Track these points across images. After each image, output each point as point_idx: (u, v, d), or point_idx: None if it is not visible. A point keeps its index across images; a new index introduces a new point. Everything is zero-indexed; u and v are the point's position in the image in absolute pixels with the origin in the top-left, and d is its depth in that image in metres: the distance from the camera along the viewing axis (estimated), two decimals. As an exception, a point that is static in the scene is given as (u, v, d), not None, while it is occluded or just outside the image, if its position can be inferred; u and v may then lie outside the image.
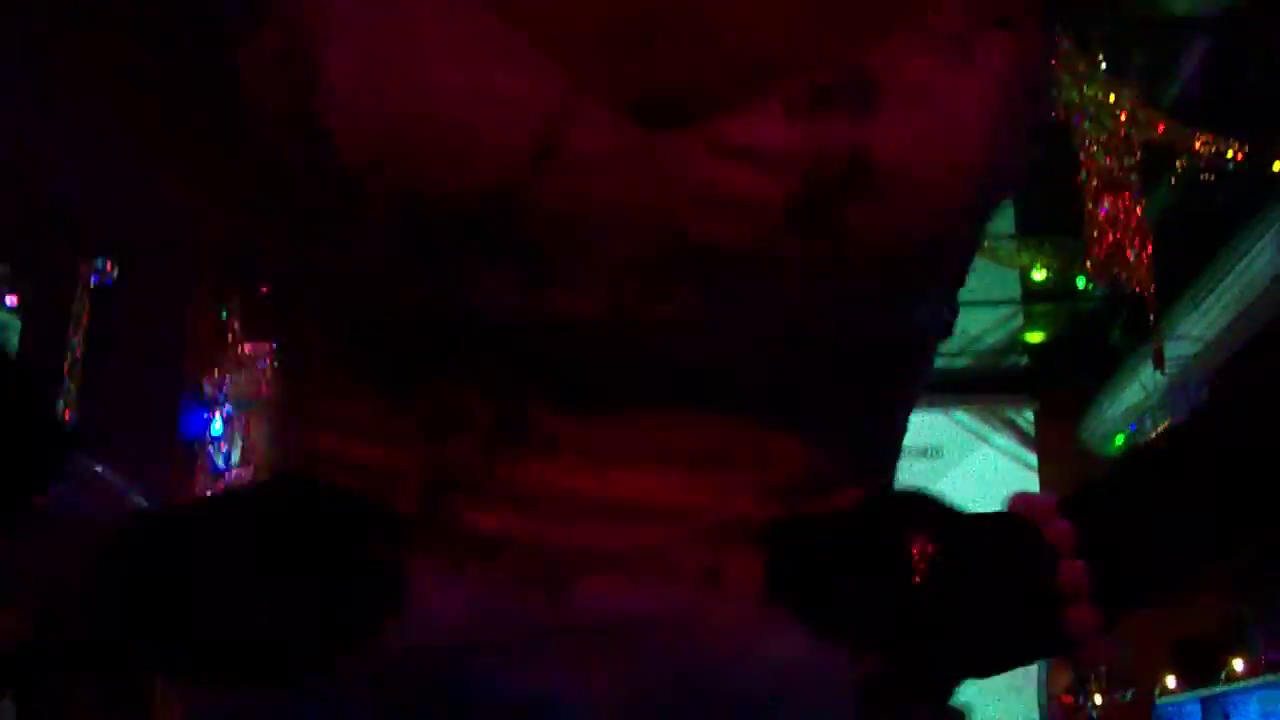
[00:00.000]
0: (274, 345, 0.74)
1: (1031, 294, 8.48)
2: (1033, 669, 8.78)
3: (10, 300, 6.54)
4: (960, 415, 9.63)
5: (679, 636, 0.54)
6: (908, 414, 0.72)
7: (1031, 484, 9.46)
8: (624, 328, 0.54)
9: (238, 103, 0.58)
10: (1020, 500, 0.67)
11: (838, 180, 0.52)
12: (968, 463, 9.58)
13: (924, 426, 9.56)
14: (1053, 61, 0.59)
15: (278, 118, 0.55)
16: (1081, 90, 5.70)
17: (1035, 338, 9.17)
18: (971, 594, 0.62)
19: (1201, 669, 7.23)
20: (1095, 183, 6.18)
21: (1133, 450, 0.76)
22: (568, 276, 0.53)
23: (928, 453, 9.57)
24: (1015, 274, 7.97)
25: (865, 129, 0.52)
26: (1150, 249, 6.14)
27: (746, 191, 0.52)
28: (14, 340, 4.83)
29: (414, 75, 0.51)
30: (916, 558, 0.59)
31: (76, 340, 4.80)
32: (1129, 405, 8.28)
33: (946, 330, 0.70)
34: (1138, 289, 6.16)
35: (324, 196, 0.55)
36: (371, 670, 0.57)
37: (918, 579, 0.59)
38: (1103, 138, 6.02)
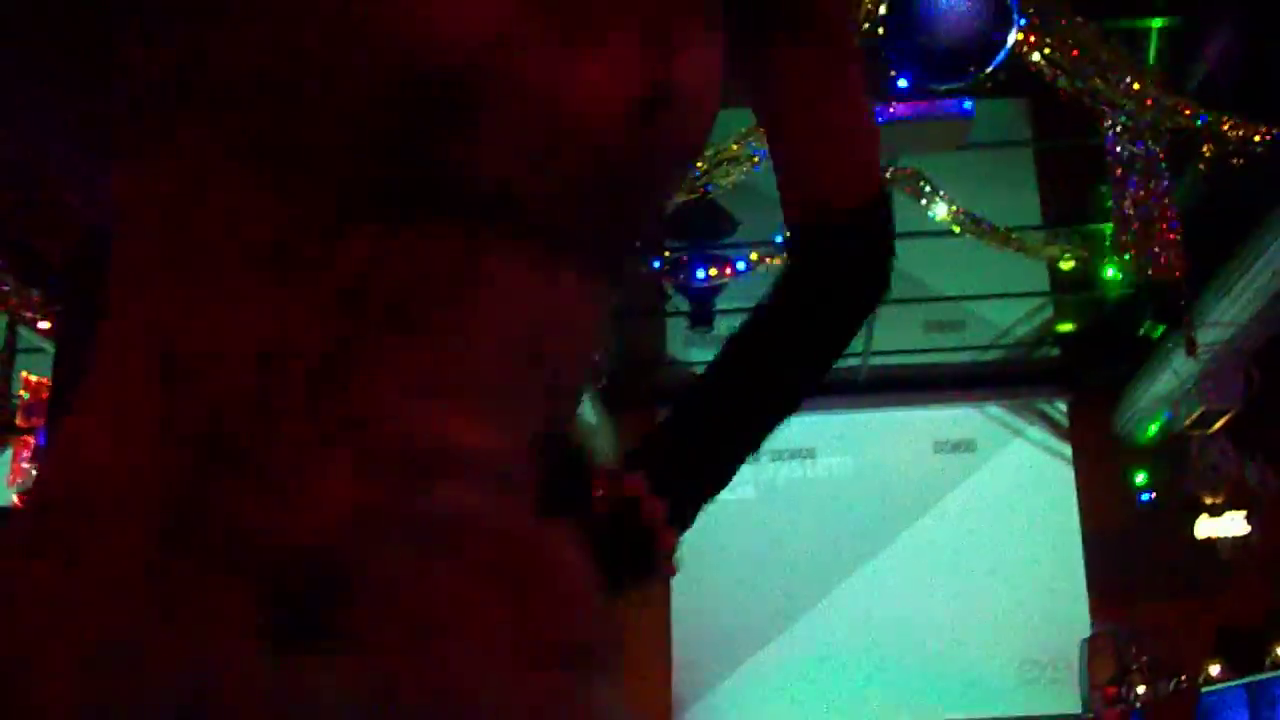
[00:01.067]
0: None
1: (1060, 285, 8.46)
2: (1074, 660, 8.76)
3: (43, 325, 6.61)
4: (993, 409, 9.62)
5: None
6: None
7: (1067, 476, 9.45)
8: (520, 199, 0.73)
9: None
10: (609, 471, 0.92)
11: (657, 97, 0.75)
12: (1002, 456, 9.56)
13: (957, 421, 9.55)
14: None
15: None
16: (1106, 79, 5.68)
17: (1066, 329, 9.15)
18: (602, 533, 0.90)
19: (1247, 657, 7.19)
20: (1121, 171, 6.16)
21: (685, 389, 0.95)
22: (502, 144, 0.71)
23: (961, 447, 9.56)
24: (1043, 266, 7.96)
25: (671, 67, 0.76)
26: (1179, 236, 6.12)
27: (611, 90, 0.74)
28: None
29: None
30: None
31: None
32: (1162, 393, 8.25)
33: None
34: (1167, 277, 6.15)
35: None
36: (259, 559, 0.66)
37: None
38: (1129, 126, 6.01)
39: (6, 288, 5.93)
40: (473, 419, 0.72)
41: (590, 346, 0.83)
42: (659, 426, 1.00)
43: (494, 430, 0.73)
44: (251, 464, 0.68)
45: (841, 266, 1.05)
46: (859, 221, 1.04)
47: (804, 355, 1.04)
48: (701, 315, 7.45)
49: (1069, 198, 7.85)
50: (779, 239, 6.47)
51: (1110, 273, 7.23)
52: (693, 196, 5.53)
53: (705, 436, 1.00)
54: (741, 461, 1.00)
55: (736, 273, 6.74)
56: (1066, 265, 7.28)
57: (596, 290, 0.80)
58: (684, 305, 7.75)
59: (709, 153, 5.37)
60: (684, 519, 0.94)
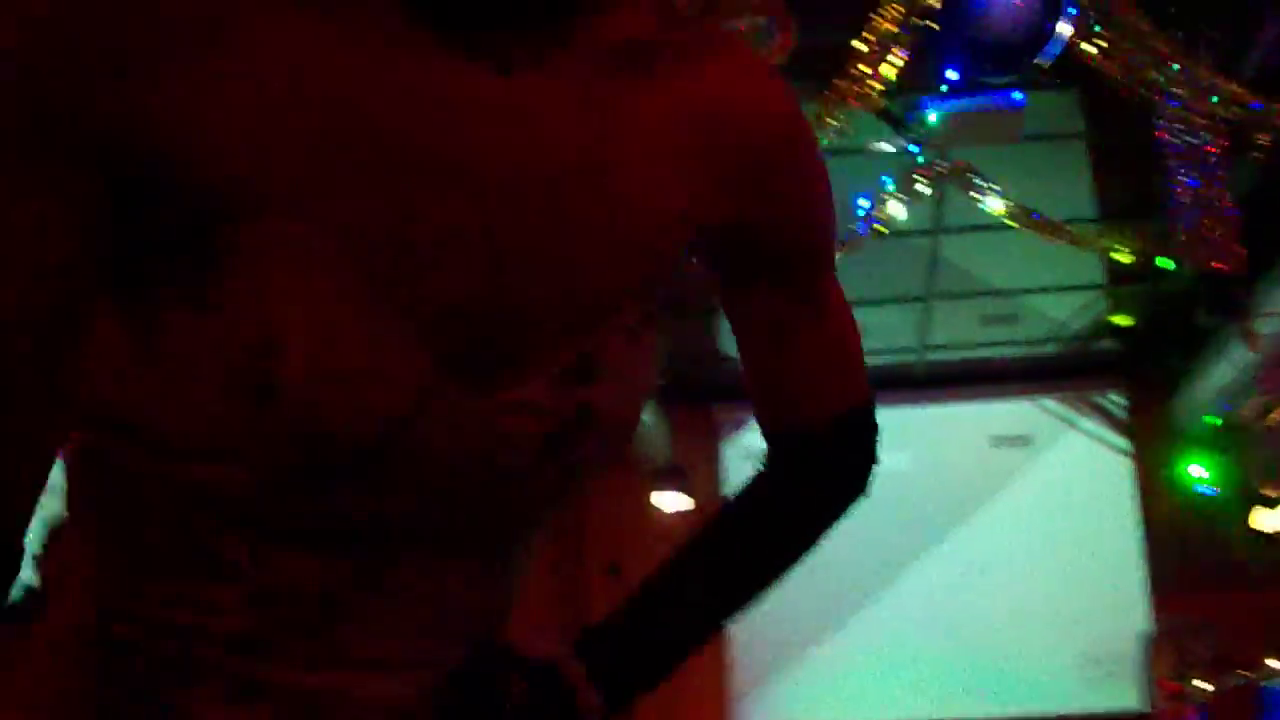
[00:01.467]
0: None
1: (1116, 277, 8.40)
2: (1134, 655, 8.70)
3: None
4: (1049, 402, 9.56)
5: None
6: None
7: (1124, 469, 9.38)
8: (427, 530, 0.82)
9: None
10: (539, 646, 0.94)
11: (575, 423, 0.82)
12: (1058, 450, 9.51)
13: (1012, 415, 9.51)
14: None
15: (226, 369, 0.73)
16: (1160, 68, 5.64)
17: (1122, 321, 9.07)
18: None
19: (1309, 650, 7.12)
20: (1176, 162, 6.11)
21: (644, 584, 0.98)
22: (407, 489, 0.79)
23: (1017, 441, 9.51)
24: (1098, 258, 7.90)
25: (590, 392, 0.82)
26: (1235, 227, 6.07)
27: (524, 431, 0.80)
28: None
29: (340, 365, 0.73)
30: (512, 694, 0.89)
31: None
32: (1220, 385, 8.18)
33: None
34: (1223, 268, 6.10)
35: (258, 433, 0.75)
36: None
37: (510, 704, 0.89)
38: (1183, 116, 5.96)
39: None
40: (372, 679, 0.83)
41: (497, 612, 0.91)
42: (610, 617, 0.99)
43: (396, 684, 0.84)
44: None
45: (819, 476, 1.06)
46: (839, 431, 1.05)
47: (768, 560, 1.05)
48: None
49: (1123, 189, 7.78)
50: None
51: (1166, 265, 7.16)
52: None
53: (655, 637, 1.00)
54: (687, 656, 1.01)
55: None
56: (1122, 257, 7.22)
57: (491, 577, 0.89)
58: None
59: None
60: (616, 705, 0.95)
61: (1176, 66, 5.66)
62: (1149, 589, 9.12)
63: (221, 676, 0.79)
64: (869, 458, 1.07)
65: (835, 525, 1.08)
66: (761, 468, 1.05)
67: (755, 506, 1.05)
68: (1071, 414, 9.59)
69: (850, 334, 1.04)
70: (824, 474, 1.06)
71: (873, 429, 1.07)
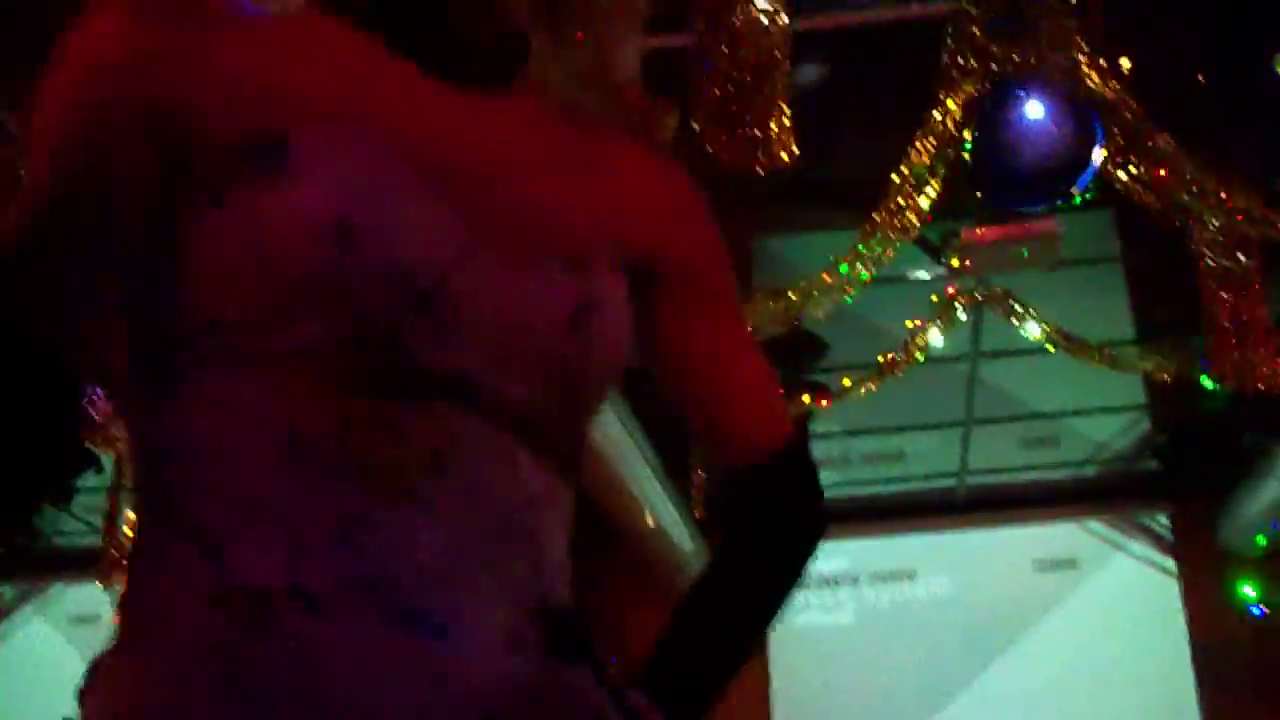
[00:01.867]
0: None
1: (1158, 397, 8.36)
2: (1190, 692, 8.51)
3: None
4: (1094, 525, 9.45)
5: None
6: None
7: (1172, 591, 9.23)
8: (485, 389, 0.93)
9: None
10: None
11: (588, 306, 0.97)
12: (1104, 573, 9.37)
13: (1057, 538, 9.39)
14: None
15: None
16: (1193, 193, 5.67)
17: (1165, 441, 9.00)
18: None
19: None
20: (1214, 284, 6.12)
21: (671, 626, 1.06)
22: (460, 340, 0.91)
23: (1062, 565, 9.39)
24: (1138, 378, 7.88)
25: (592, 285, 0.99)
26: (1275, 346, 6.05)
27: (548, 298, 0.96)
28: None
29: (398, 215, 0.92)
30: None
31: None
32: (1268, 502, 8.08)
33: None
34: (1265, 387, 6.06)
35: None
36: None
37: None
38: (1218, 236, 5.98)
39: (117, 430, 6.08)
40: (470, 589, 0.90)
41: (563, 529, 0.99)
42: (656, 652, 1.10)
43: (491, 602, 0.91)
44: (287, 629, 0.85)
45: (770, 509, 1.16)
46: (777, 463, 1.15)
47: (755, 603, 1.14)
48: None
49: (1162, 309, 7.79)
50: (873, 362, 6.48)
51: (1207, 384, 7.13)
52: (786, 329, 5.57)
53: (675, 684, 1.08)
54: (725, 682, 1.10)
55: (831, 400, 6.75)
56: (1163, 378, 7.19)
57: (555, 478, 0.98)
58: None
59: (800, 284, 5.42)
60: None
61: (1208, 188, 5.69)
62: (1200, 713, 8.93)
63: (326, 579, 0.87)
64: (815, 488, 1.18)
65: (803, 563, 1.16)
66: (727, 514, 1.17)
67: (729, 550, 1.16)
68: (1117, 536, 9.46)
69: (767, 370, 1.20)
70: (778, 504, 1.16)
71: (811, 462, 1.18)
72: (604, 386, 1.03)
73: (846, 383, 6.64)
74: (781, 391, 1.21)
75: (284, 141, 0.91)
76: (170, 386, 0.92)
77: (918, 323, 6.34)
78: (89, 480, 8.40)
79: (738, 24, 4.04)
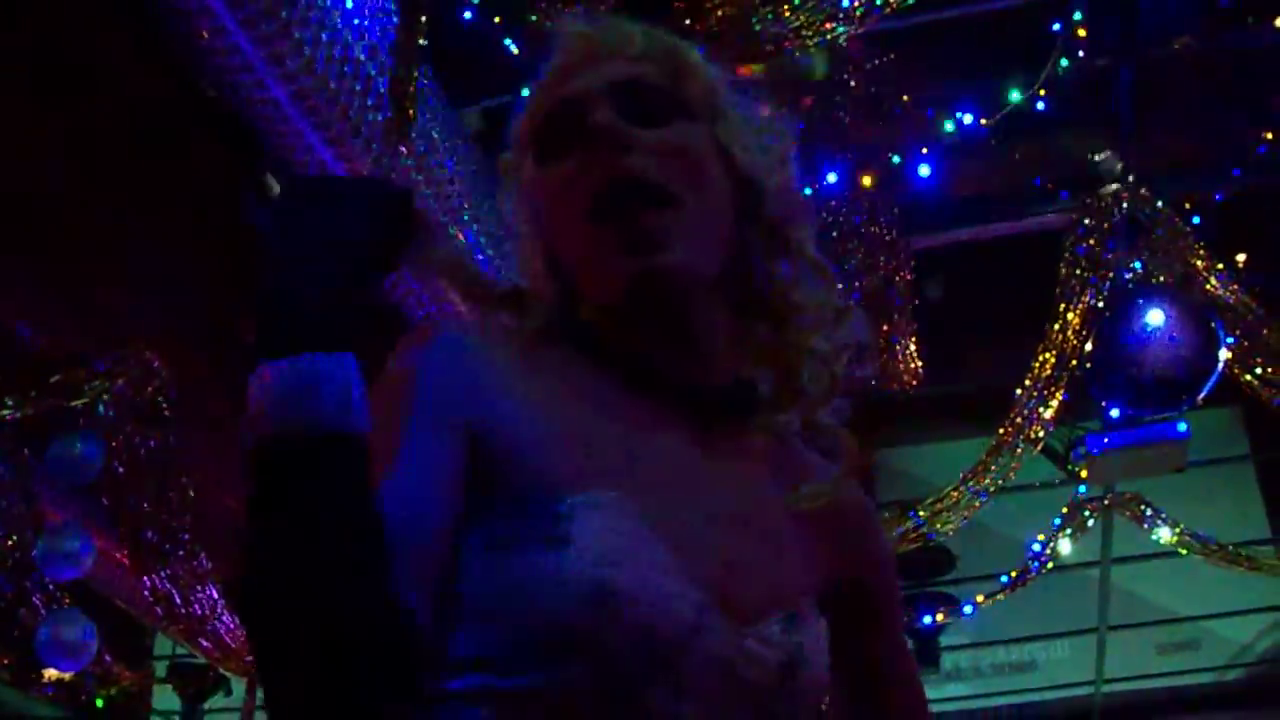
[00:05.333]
0: None
1: (1299, 597, 8.12)
2: None
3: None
4: (1238, 731, 9.08)
5: None
6: None
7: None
8: None
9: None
10: None
11: (798, 657, 1.08)
12: (1251, 781, 8.96)
13: (1200, 746, 9.02)
14: None
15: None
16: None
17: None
18: None
19: None
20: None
21: None
22: (694, 695, 1.02)
23: (1207, 773, 9.01)
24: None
25: (801, 636, 1.09)
26: None
27: (766, 655, 1.06)
28: None
29: (653, 582, 1.02)
30: None
31: None
32: None
33: None
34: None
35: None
36: None
37: None
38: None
39: (250, 657, 6.15)
40: None
41: None
42: None
43: None
44: None
45: None
46: None
47: None
48: (926, 654, 7.32)
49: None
50: (1002, 578, 6.39)
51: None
52: (915, 545, 5.54)
53: None
54: None
55: (962, 615, 6.65)
56: (1304, 578, 6.99)
57: None
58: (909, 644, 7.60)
59: (928, 500, 5.40)
60: None
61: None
62: None
63: None
64: None
65: None
66: None
67: None
68: (1263, 743, 9.08)
69: (921, 691, 1.34)
70: None
71: None
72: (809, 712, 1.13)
73: (980, 599, 6.51)
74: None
75: (561, 503, 1.03)
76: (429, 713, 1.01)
77: (1050, 538, 6.25)
78: (218, 702, 8.52)
79: (861, 254, 4.13)
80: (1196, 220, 5.51)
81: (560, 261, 1.18)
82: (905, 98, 4.66)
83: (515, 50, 4.24)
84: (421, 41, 3.46)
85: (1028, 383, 5.15)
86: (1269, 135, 5.44)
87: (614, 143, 1.12)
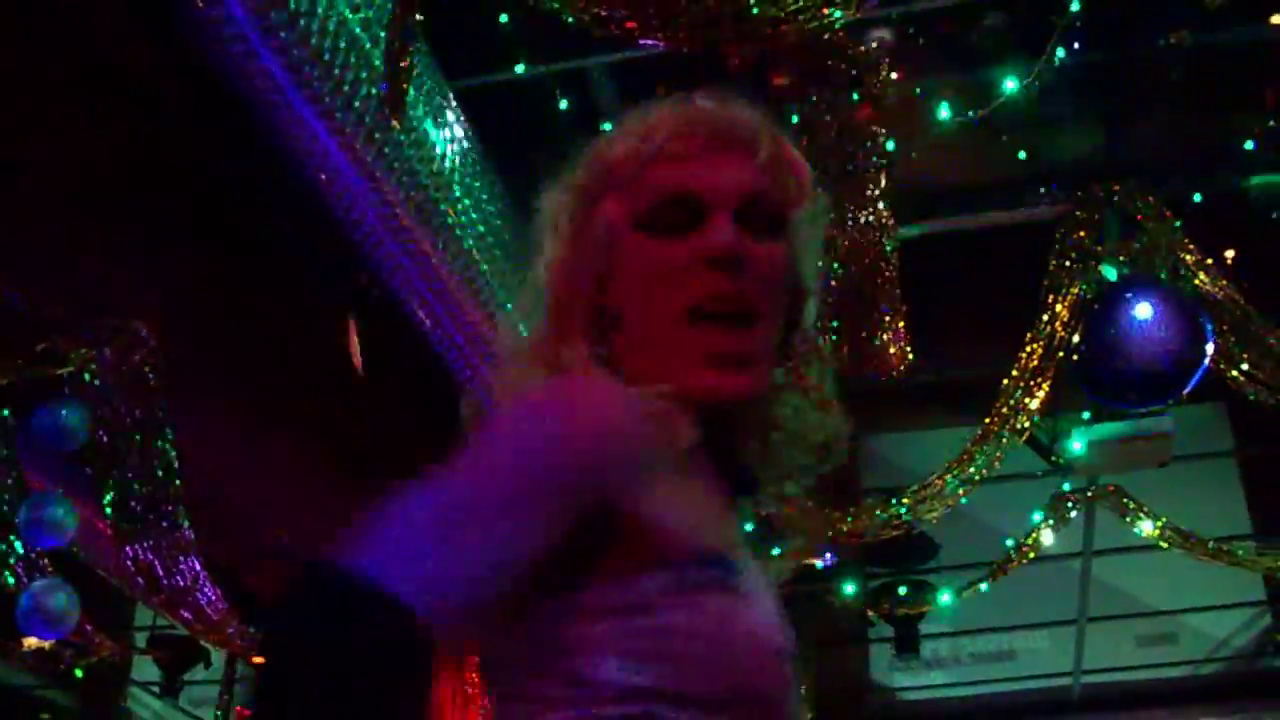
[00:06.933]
0: None
1: (1277, 593, 8.16)
2: None
3: (257, 660, 6.81)
4: (1214, 726, 9.14)
5: None
6: None
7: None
8: None
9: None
10: None
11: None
12: (1227, 777, 9.02)
13: (1177, 740, 9.08)
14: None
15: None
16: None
17: (1286, 638, 8.75)
18: None
19: None
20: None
21: None
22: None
23: (1183, 767, 9.07)
24: (1259, 575, 7.70)
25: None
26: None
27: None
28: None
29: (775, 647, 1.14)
30: None
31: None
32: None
33: None
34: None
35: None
36: None
37: None
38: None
39: (231, 629, 6.16)
40: None
41: None
42: None
43: None
44: None
45: None
46: None
47: None
48: (906, 642, 7.35)
49: (1278, 502, 7.65)
50: (982, 559, 6.41)
51: (1330, 580, 6.95)
52: (898, 533, 5.55)
53: None
54: None
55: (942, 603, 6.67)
56: (1282, 574, 7.03)
57: None
58: (887, 631, 7.68)
59: (913, 487, 5.41)
60: None
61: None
62: None
63: None
64: None
65: None
66: None
67: None
68: (1239, 736, 9.13)
69: None
70: None
71: None
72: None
73: (962, 593, 6.52)
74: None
75: (727, 559, 1.13)
76: None
77: (1031, 532, 6.27)
78: (197, 674, 8.53)
79: (847, 243, 4.13)
80: (1186, 213, 5.51)
81: (623, 314, 1.23)
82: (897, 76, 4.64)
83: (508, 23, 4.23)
84: (418, 16, 3.45)
85: (1015, 373, 5.15)
86: (1260, 131, 5.45)
87: (730, 262, 1.18)
